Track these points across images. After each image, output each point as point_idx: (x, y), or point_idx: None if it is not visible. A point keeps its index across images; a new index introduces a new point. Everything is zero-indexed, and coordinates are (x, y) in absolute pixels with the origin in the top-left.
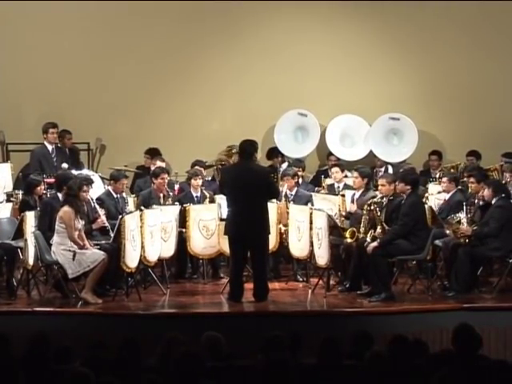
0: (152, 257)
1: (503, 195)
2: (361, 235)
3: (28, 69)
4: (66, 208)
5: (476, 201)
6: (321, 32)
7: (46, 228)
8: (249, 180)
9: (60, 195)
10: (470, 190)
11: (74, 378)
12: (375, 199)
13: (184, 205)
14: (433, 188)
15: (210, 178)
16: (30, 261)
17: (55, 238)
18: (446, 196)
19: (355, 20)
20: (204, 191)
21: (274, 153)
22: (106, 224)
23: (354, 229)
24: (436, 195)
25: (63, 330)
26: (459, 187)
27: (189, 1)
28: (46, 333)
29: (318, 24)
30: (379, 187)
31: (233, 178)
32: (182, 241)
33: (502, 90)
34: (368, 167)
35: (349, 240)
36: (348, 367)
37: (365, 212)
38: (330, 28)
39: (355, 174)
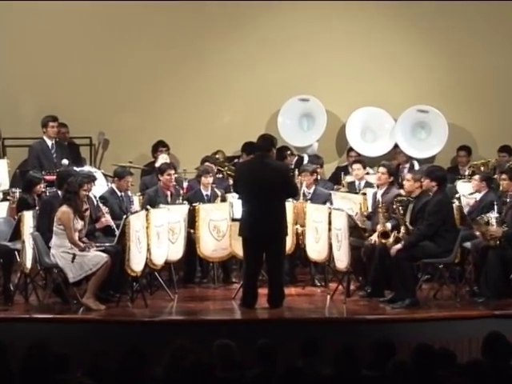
0: (159, 260)
1: None
2: (379, 232)
3: (25, 59)
4: (64, 208)
5: (508, 199)
6: (339, 21)
7: (45, 229)
8: (266, 177)
9: (61, 193)
10: (501, 188)
11: None
12: (400, 198)
13: (193, 204)
14: (461, 186)
15: (220, 176)
16: (28, 264)
17: (54, 240)
18: (478, 196)
19: (376, 7)
20: (215, 189)
21: (282, 152)
22: (111, 223)
23: (387, 229)
24: (467, 196)
25: (63, 338)
26: (492, 186)
27: None
28: (45, 341)
29: (336, 12)
30: (404, 182)
31: (248, 175)
32: (191, 242)
33: None
34: (393, 164)
35: (383, 240)
36: (368, 378)
37: (381, 206)
38: (349, 17)
39: (382, 169)
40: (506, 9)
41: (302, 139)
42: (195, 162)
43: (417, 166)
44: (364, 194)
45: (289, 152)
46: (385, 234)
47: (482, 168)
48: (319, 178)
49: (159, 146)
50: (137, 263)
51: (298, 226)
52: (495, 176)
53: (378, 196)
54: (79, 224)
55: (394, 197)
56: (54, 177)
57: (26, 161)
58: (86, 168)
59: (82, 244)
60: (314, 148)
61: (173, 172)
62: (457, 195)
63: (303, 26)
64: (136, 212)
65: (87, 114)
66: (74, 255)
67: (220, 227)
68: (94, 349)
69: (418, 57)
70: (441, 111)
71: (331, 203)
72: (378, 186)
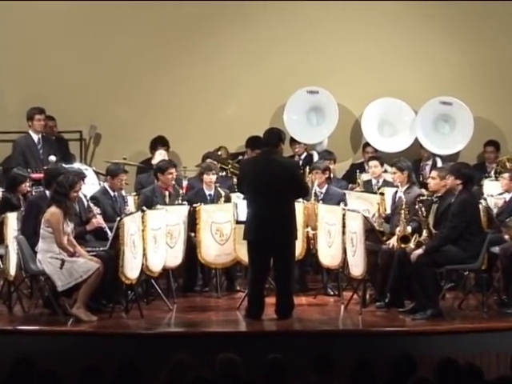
0: (156, 266)
1: None
2: (399, 235)
3: (9, 47)
4: (53, 209)
5: None
6: (352, 7)
7: (31, 232)
8: (273, 175)
9: (49, 193)
10: None
11: None
12: (422, 198)
13: (194, 205)
14: (489, 185)
15: (224, 174)
16: (12, 271)
17: (41, 245)
18: (507, 196)
19: None
20: (219, 189)
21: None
22: (103, 224)
23: (407, 233)
24: (496, 196)
25: (51, 353)
26: None
27: None
28: (30, 355)
29: None
30: (429, 180)
31: (254, 173)
32: (192, 247)
33: None
34: (406, 160)
35: (403, 245)
36: None
37: (404, 207)
38: (363, 2)
39: (393, 169)
40: None
41: (311, 135)
42: (196, 159)
43: (439, 164)
44: (382, 193)
45: (297, 148)
46: (405, 238)
47: (508, 164)
48: (332, 176)
49: (158, 144)
50: (132, 270)
51: (308, 229)
52: None
53: (402, 195)
54: (69, 227)
55: (415, 197)
56: (41, 175)
57: (9, 157)
58: (76, 165)
59: (71, 249)
60: (323, 145)
61: (174, 171)
62: (484, 195)
63: (313, 13)
64: (131, 213)
65: (77, 106)
66: (63, 261)
67: (223, 230)
68: (85, 364)
69: (441, 44)
70: (466, 103)
71: (345, 204)
72: (398, 185)
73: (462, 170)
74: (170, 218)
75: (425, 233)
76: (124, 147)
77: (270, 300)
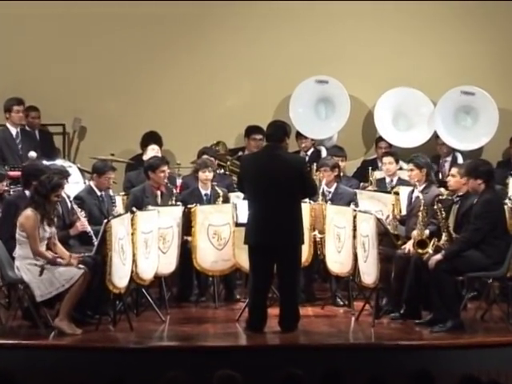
0: (147, 273)
1: None
2: (415, 240)
3: None
4: (28, 212)
5: None
6: None
7: (8, 236)
8: (277, 172)
9: (28, 193)
10: None
11: None
12: (442, 197)
13: (189, 205)
14: None
15: (222, 171)
16: None
17: (18, 250)
18: None
19: None
20: (216, 188)
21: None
22: (88, 228)
23: (425, 237)
24: None
25: (32, 368)
26: None
27: None
28: (8, 372)
29: None
30: (448, 178)
31: (256, 170)
32: (186, 252)
33: None
34: (425, 156)
35: (420, 251)
36: None
37: (422, 208)
38: None
39: (410, 165)
40: None
41: (320, 129)
42: (191, 155)
43: (460, 160)
44: (396, 193)
45: (303, 143)
46: (422, 243)
47: None
48: (342, 174)
49: (150, 141)
50: (120, 278)
51: (316, 233)
52: None
53: (419, 195)
54: (47, 232)
55: (434, 197)
56: (19, 173)
57: None
58: (59, 162)
59: (48, 254)
60: (333, 140)
61: (166, 168)
62: (509, 195)
63: None
64: (119, 215)
65: (60, 97)
66: (42, 268)
67: (221, 234)
68: (69, 381)
69: (463, 30)
70: (490, 94)
71: (356, 204)
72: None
73: (479, 169)
74: (162, 221)
75: (444, 236)
76: (112, 142)
77: (273, 311)
